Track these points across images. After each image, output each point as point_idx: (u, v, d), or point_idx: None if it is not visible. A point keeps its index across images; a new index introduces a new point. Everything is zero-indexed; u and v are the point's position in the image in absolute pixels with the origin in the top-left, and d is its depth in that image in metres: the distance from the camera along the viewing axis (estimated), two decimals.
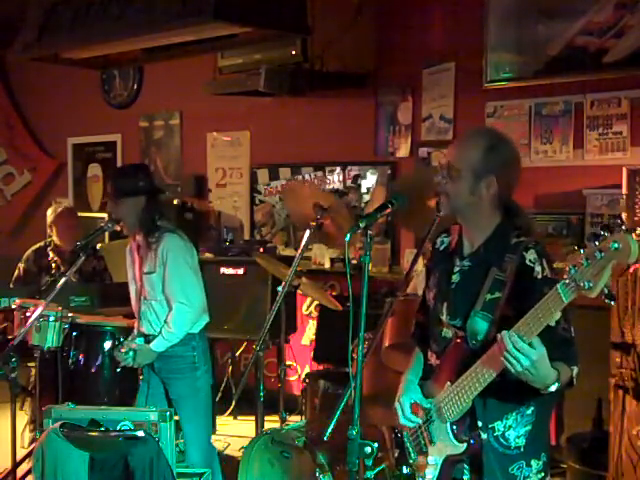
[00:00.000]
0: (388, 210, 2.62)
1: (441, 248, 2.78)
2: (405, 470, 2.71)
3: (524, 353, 2.22)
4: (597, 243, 2.10)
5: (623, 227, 2.08)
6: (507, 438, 2.56)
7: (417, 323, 2.93)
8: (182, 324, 3.96)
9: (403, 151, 5.89)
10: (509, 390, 2.47)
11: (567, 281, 2.16)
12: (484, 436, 2.54)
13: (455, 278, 2.65)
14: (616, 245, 2.06)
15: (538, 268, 2.48)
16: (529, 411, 2.57)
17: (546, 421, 2.68)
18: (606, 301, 2.14)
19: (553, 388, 2.33)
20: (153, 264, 4.00)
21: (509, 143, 2.67)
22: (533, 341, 2.24)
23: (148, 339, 4.04)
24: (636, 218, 4.64)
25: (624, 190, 4.71)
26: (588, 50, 4.85)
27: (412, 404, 2.69)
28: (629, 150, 4.82)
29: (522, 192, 5.64)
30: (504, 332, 2.26)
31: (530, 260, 2.48)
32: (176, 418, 3.75)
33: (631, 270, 4.03)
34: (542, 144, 5.18)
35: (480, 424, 2.54)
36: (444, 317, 2.66)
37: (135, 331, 4.18)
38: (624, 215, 4.71)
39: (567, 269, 2.15)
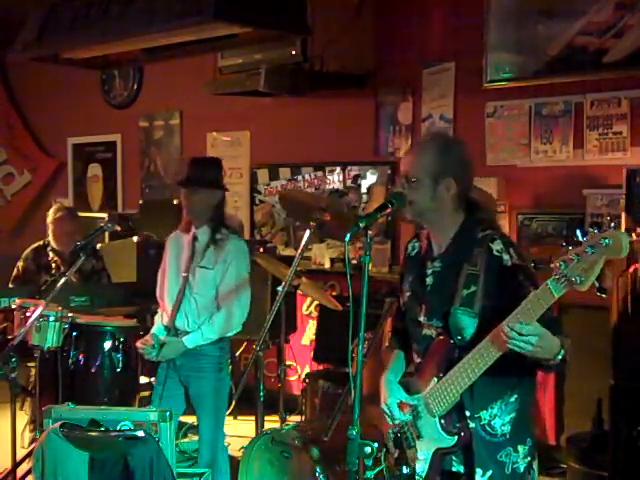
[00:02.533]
0: (388, 210, 2.66)
1: (412, 254, 2.88)
2: (405, 470, 2.73)
3: (530, 333, 2.32)
4: (588, 239, 2.20)
5: (613, 224, 2.18)
6: (493, 426, 2.64)
7: (395, 330, 3.00)
8: (227, 329, 3.96)
9: (403, 151, 5.88)
10: (494, 381, 2.57)
11: (557, 276, 2.26)
12: (472, 425, 2.61)
13: (429, 280, 2.74)
14: (607, 241, 2.16)
15: (506, 257, 2.58)
16: (512, 399, 2.65)
17: (529, 407, 2.77)
18: (597, 294, 2.27)
19: (560, 356, 2.43)
20: (213, 260, 3.94)
21: (460, 143, 2.83)
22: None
23: (177, 332, 3.99)
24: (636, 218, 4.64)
25: (624, 190, 4.71)
26: (588, 50, 4.85)
27: (399, 404, 2.75)
28: (629, 150, 4.82)
29: (522, 192, 5.68)
30: (504, 325, 2.35)
31: (497, 250, 2.59)
32: (181, 418, 3.73)
33: (631, 270, 4.03)
34: (542, 144, 5.18)
35: (468, 414, 2.61)
36: (422, 318, 2.73)
37: (159, 323, 4.09)
38: (624, 215, 4.72)
39: (557, 265, 2.25)
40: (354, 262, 5.12)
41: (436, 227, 2.74)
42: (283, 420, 4.50)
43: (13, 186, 8.93)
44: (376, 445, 2.49)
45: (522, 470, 2.67)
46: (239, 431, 5.71)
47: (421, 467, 2.68)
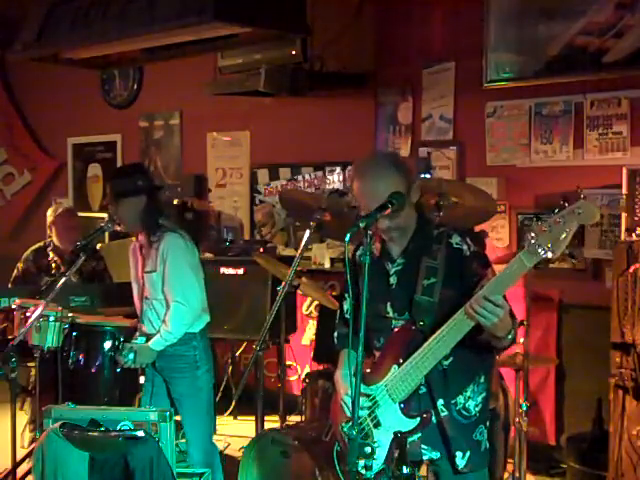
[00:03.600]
0: (388, 210, 2.67)
1: (361, 259, 2.86)
2: (405, 470, 2.73)
3: (500, 305, 2.47)
4: (557, 212, 2.36)
5: (582, 196, 2.37)
6: (467, 408, 2.79)
7: (340, 335, 3.08)
8: (180, 324, 3.96)
9: (403, 151, 5.88)
10: (464, 366, 2.75)
11: (529, 247, 2.40)
12: (444, 414, 2.75)
13: (393, 280, 2.85)
14: (578, 210, 2.34)
15: (465, 247, 2.77)
16: (482, 379, 2.83)
17: (491, 383, 2.95)
18: (568, 259, 2.40)
19: (510, 336, 2.62)
20: (154, 263, 4.00)
21: (392, 154, 3.11)
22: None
23: (149, 338, 4.05)
24: (636, 218, 4.64)
25: (624, 190, 4.71)
26: (588, 50, 4.85)
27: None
28: (629, 150, 4.82)
29: (522, 192, 5.68)
30: (480, 293, 2.50)
31: (456, 243, 2.78)
32: (177, 418, 3.75)
33: (631, 270, 4.03)
34: (542, 144, 5.18)
35: (442, 402, 2.75)
36: (392, 314, 2.84)
37: (138, 332, 4.18)
38: (624, 215, 4.72)
39: (529, 236, 2.39)
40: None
41: (402, 232, 2.84)
42: (283, 420, 4.49)
43: (13, 186, 8.93)
44: (376, 445, 2.50)
45: (487, 444, 2.87)
46: (239, 431, 5.72)
47: (379, 454, 2.75)
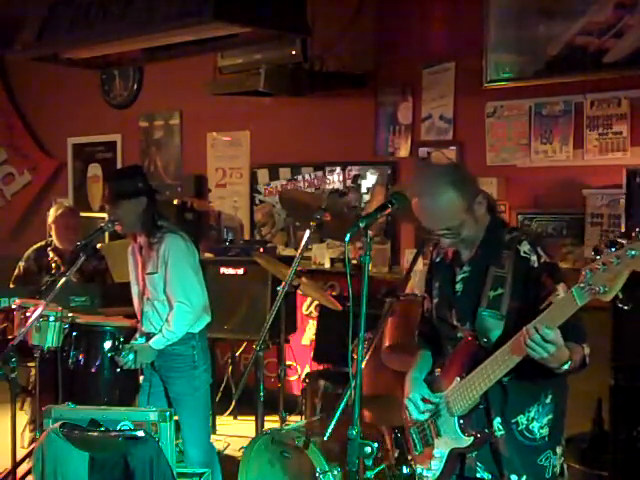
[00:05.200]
0: (388, 210, 2.67)
1: (437, 260, 2.89)
2: (405, 470, 2.73)
3: (552, 341, 2.33)
4: (614, 250, 2.20)
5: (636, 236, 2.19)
6: (531, 430, 2.63)
7: (420, 333, 3.02)
8: (182, 323, 3.98)
9: (403, 151, 5.89)
10: (527, 383, 2.57)
11: (582, 285, 2.26)
12: (500, 433, 2.60)
13: (459, 287, 2.74)
14: (633, 252, 2.17)
15: (534, 257, 2.60)
16: (548, 400, 2.66)
17: (564, 406, 2.76)
18: (619, 305, 2.26)
19: (566, 367, 2.44)
20: (155, 264, 4.01)
21: (456, 164, 2.82)
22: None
23: (149, 337, 4.06)
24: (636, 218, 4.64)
25: (624, 190, 4.70)
26: (588, 50, 4.85)
27: (422, 399, 2.76)
28: (629, 150, 4.82)
29: (522, 192, 5.67)
30: (530, 327, 2.35)
31: (525, 252, 2.61)
32: (175, 418, 3.75)
33: None
34: (542, 144, 5.18)
35: (499, 420, 2.61)
36: (455, 322, 2.73)
37: (138, 333, 4.19)
38: (624, 215, 4.72)
39: (584, 273, 2.25)
40: (354, 262, 5.12)
41: (468, 242, 2.73)
42: (283, 420, 4.49)
43: (13, 186, 8.93)
44: (376, 445, 2.50)
45: (559, 471, 2.68)
46: (239, 431, 5.72)
47: (436, 465, 2.69)
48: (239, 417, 6.12)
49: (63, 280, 4.07)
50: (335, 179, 6.30)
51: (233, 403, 5.79)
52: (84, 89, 7.99)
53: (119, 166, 7.95)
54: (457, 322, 2.73)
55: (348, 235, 2.55)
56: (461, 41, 5.50)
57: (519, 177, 5.29)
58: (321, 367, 5.50)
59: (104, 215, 6.83)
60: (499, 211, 2.82)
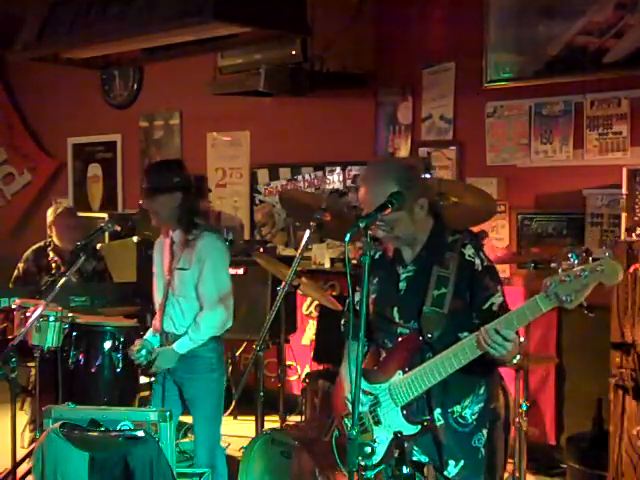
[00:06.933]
0: (388, 210, 2.67)
1: (376, 256, 2.96)
2: (405, 470, 2.74)
3: (511, 340, 2.53)
4: (575, 259, 2.39)
5: (607, 254, 2.37)
6: (464, 417, 2.82)
7: (347, 324, 3.08)
8: (213, 326, 3.90)
9: (403, 151, 5.89)
10: (466, 377, 2.74)
11: (547, 293, 2.42)
12: (440, 423, 2.78)
13: (402, 285, 2.85)
14: (602, 268, 2.34)
15: (477, 261, 2.77)
16: (481, 391, 2.86)
17: (492, 395, 3.02)
18: (585, 312, 2.41)
19: (516, 359, 2.67)
20: (189, 261, 3.92)
21: (406, 163, 3.02)
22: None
23: (164, 337, 3.97)
24: (636, 218, 4.64)
25: (624, 190, 4.71)
26: (588, 50, 4.85)
27: (362, 391, 2.80)
28: (629, 150, 4.82)
29: (522, 192, 5.67)
30: (489, 328, 2.53)
31: (469, 255, 2.77)
32: (183, 419, 3.73)
33: (631, 270, 4.03)
34: (542, 144, 5.18)
35: (440, 411, 2.78)
36: (397, 319, 2.84)
37: (152, 328, 4.09)
38: (624, 215, 4.72)
39: (548, 283, 2.41)
40: (354, 262, 5.12)
41: (408, 241, 2.85)
42: (283, 420, 4.49)
43: (13, 186, 8.93)
44: (376, 445, 2.51)
45: (485, 450, 2.89)
46: (239, 431, 5.71)
47: (378, 450, 2.78)
48: (239, 417, 6.12)
49: (63, 280, 4.05)
50: (335, 179, 6.30)
51: (233, 403, 5.78)
52: (84, 89, 7.99)
53: (119, 166, 7.96)
54: (400, 319, 2.83)
55: (348, 235, 2.56)
56: (461, 41, 5.50)
57: (519, 177, 5.29)
58: (321, 367, 5.50)
59: (104, 215, 6.86)
60: (443, 217, 2.91)
